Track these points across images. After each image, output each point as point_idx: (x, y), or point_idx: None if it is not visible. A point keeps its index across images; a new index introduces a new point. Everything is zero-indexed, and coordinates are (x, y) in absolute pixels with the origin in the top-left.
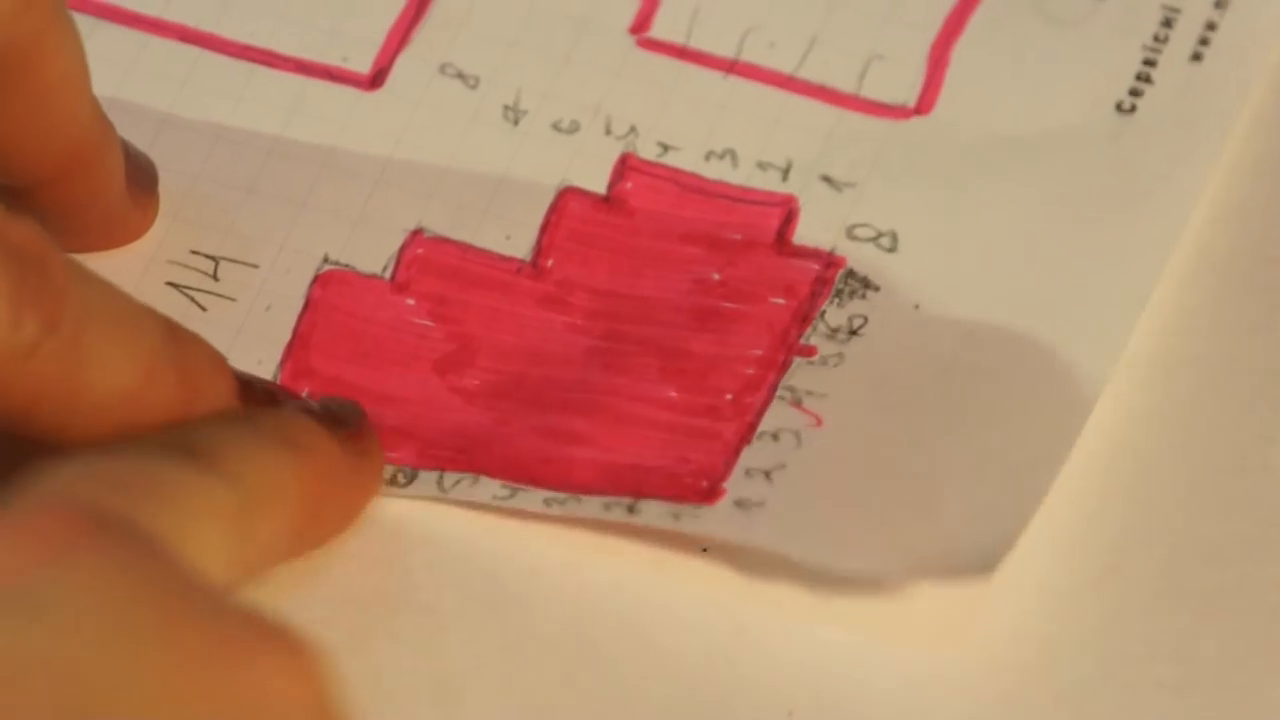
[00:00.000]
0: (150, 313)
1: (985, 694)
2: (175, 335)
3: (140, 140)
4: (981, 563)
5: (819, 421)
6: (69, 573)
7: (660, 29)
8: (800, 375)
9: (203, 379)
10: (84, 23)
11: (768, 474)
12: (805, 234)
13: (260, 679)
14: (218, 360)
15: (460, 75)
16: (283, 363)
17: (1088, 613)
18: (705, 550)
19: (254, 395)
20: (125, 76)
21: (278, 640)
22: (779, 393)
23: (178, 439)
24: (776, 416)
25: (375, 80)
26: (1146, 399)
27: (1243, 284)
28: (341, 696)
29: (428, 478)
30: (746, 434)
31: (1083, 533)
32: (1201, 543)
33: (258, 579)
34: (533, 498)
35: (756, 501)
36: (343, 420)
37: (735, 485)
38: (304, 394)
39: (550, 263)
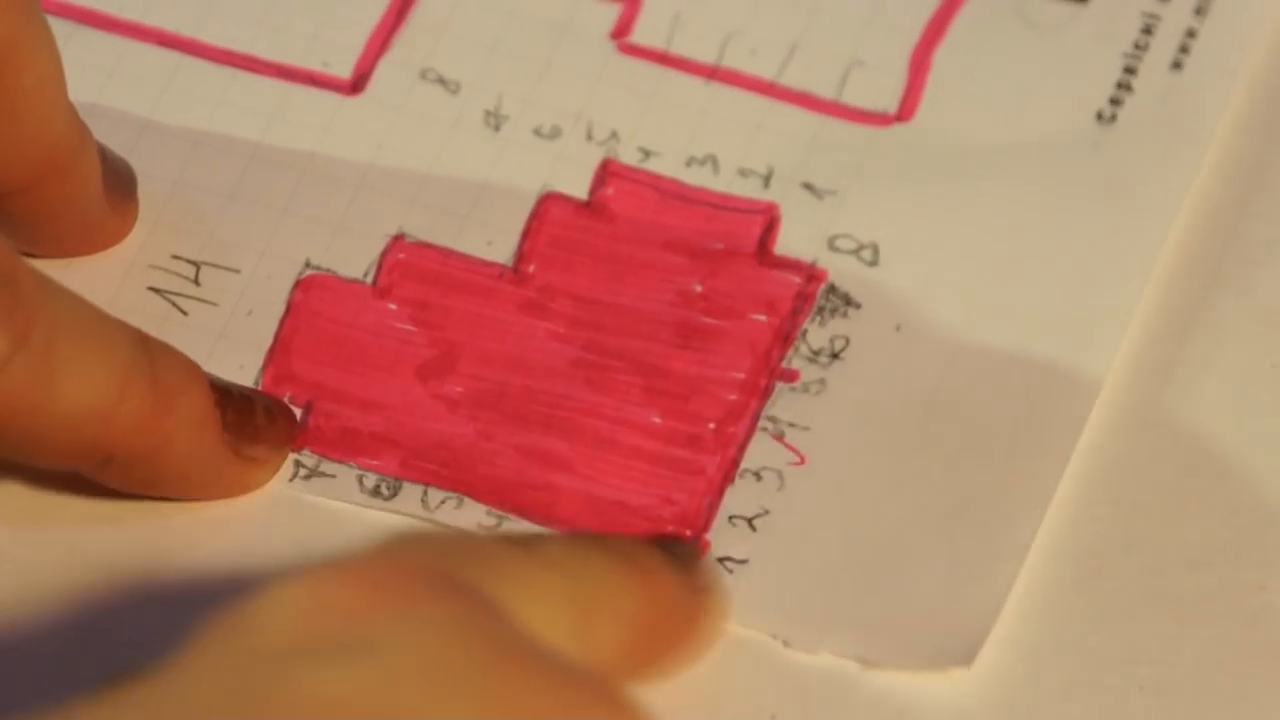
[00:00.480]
0: (122, 326)
1: (968, 698)
2: (148, 348)
3: (121, 146)
4: (961, 652)
5: (801, 460)
6: (408, 620)
7: (641, 35)
8: (782, 404)
9: (177, 391)
10: (64, 28)
11: (750, 522)
12: (787, 243)
13: None
14: (193, 371)
15: (441, 81)
16: (264, 367)
17: (1070, 616)
18: None
19: (233, 403)
20: (106, 82)
21: (616, 705)
22: (761, 423)
23: (518, 536)
24: (759, 451)
25: (356, 86)
26: (1128, 403)
27: (1223, 288)
28: None
29: (412, 491)
30: (729, 470)
31: (1065, 537)
32: (1183, 547)
33: None
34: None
35: (740, 559)
36: (680, 555)
37: (718, 537)
38: (285, 398)
39: (532, 268)
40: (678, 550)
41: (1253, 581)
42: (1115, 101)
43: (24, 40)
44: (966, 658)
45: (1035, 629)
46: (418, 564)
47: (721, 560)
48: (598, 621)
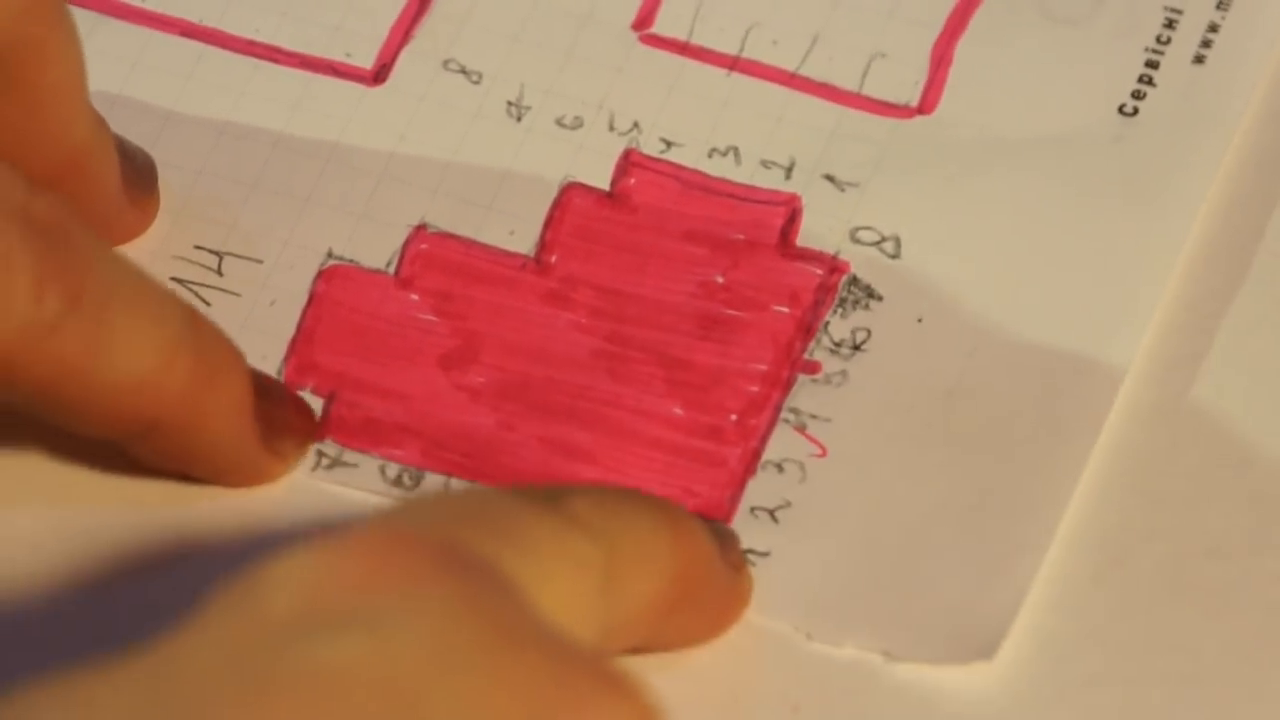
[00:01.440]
0: (174, 298)
1: (990, 689)
2: (196, 324)
3: (143, 136)
4: (983, 645)
5: (823, 451)
6: (411, 596)
7: (663, 25)
8: (804, 395)
9: (219, 370)
10: (87, 19)
11: (773, 514)
12: (809, 235)
13: None
14: (235, 353)
15: (463, 71)
16: (287, 358)
17: (1092, 606)
18: None
19: (267, 393)
20: (129, 73)
21: (615, 688)
22: (783, 415)
23: (544, 491)
24: (781, 444)
25: (379, 76)
26: (1149, 393)
27: (1245, 280)
28: None
29: (434, 482)
30: (751, 462)
31: (1087, 527)
32: (1205, 536)
33: (619, 651)
34: None
35: (762, 552)
36: (714, 528)
37: (740, 528)
38: (308, 388)
39: (554, 259)
40: (712, 523)
41: (1275, 571)
42: (1137, 95)
43: (54, 39)
44: (988, 651)
45: (1057, 620)
46: (425, 536)
47: (744, 553)
48: (628, 575)
